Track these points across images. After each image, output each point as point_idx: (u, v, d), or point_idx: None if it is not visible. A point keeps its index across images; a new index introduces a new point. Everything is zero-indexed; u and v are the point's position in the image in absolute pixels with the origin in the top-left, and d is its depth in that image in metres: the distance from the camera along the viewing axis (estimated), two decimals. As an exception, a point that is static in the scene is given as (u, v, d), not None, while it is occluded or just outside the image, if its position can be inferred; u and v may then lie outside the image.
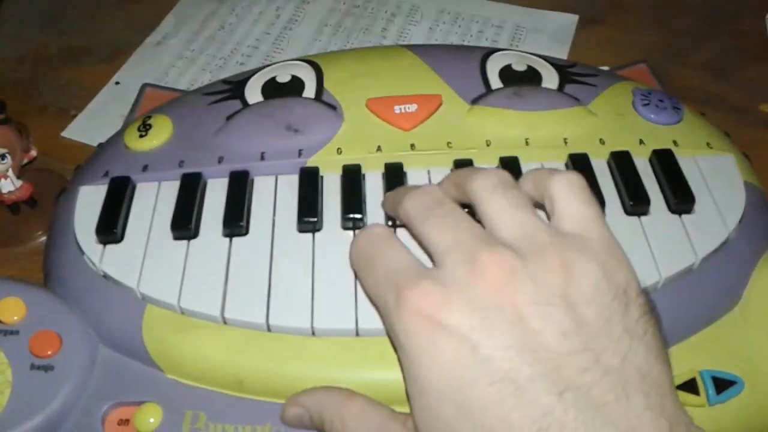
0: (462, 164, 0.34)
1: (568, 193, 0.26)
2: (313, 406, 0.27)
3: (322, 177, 0.34)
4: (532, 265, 0.23)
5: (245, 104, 0.38)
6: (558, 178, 0.26)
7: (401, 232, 0.30)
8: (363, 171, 0.34)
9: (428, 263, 0.26)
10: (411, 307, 0.23)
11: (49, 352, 0.30)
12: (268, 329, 0.30)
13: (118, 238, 0.33)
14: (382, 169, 0.34)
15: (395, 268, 0.25)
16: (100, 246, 0.32)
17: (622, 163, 0.35)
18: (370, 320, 0.29)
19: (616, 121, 0.37)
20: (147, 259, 0.32)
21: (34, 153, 0.41)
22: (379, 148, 0.35)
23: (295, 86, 0.39)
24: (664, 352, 0.23)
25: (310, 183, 0.34)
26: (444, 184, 0.29)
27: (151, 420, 0.29)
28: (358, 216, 0.32)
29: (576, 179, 0.26)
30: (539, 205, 0.27)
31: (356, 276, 0.28)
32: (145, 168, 0.35)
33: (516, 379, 0.21)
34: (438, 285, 0.23)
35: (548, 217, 0.26)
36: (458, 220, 0.25)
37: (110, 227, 0.33)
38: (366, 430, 0.26)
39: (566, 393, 0.21)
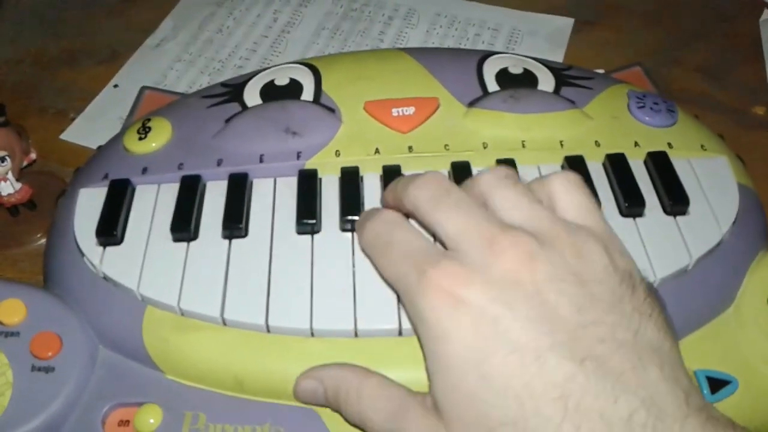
0: (459, 166, 0.35)
1: (567, 189, 0.27)
2: (329, 379, 0.28)
3: (320, 179, 0.35)
4: (545, 247, 0.24)
5: (244, 107, 0.38)
6: (557, 177, 0.27)
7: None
8: (361, 173, 0.35)
9: None
10: (434, 284, 0.24)
11: (50, 354, 0.30)
12: (268, 330, 0.30)
13: (118, 240, 0.33)
14: (380, 172, 0.35)
15: (413, 250, 0.26)
16: (100, 248, 0.33)
17: (617, 165, 0.35)
18: (369, 321, 0.29)
19: (611, 124, 0.37)
20: (147, 261, 0.32)
21: (33, 155, 0.41)
22: (377, 151, 0.35)
23: (294, 89, 0.39)
24: (672, 330, 0.24)
25: (308, 185, 0.34)
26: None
27: (152, 421, 0.29)
28: (356, 218, 0.32)
29: (573, 177, 0.27)
30: None
31: (370, 258, 0.28)
32: (144, 170, 0.36)
33: (537, 348, 0.22)
34: (458, 264, 0.24)
35: None
36: (469, 206, 0.26)
37: (110, 229, 0.33)
38: (384, 405, 0.26)
39: (586, 361, 0.22)
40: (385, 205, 0.32)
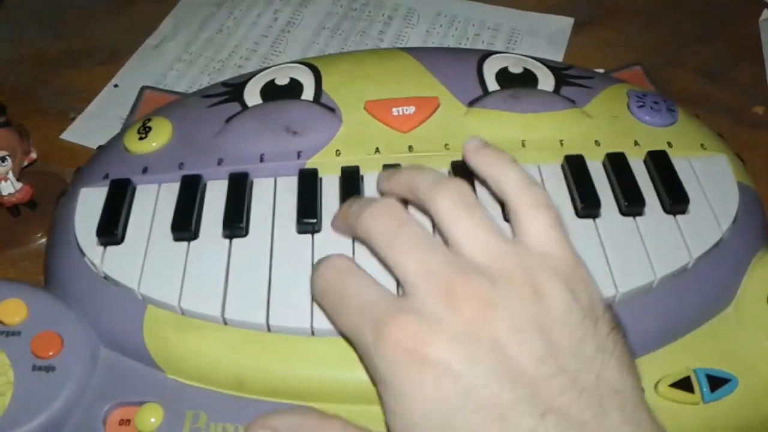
0: (459, 166, 0.35)
1: (533, 212, 0.26)
2: (286, 428, 0.26)
3: (321, 179, 0.35)
4: (504, 292, 0.24)
5: (244, 107, 0.38)
6: (523, 198, 0.26)
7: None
8: (361, 172, 0.35)
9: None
10: (392, 342, 0.23)
11: (51, 353, 0.30)
12: (269, 329, 0.30)
13: (118, 240, 0.33)
14: (380, 171, 0.35)
15: (367, 303, 0.25)
16: (101, 247, 0.33)
17: (617, 164, 0.35)
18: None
19: (611, 123, 0.37)
20: (147, 261, 0.32)
21: (34, 155, 0.42)
22: (377, 150, 0.36)
23: (294, 89, 0.39)
24: (633, 364, 0.24)
25: (309, 184, 0.34)
26: (395, 187, 0.28)
27: (152, 420, 0.29)
28: (356, 217, 0.33)
29: (540, 198, 0.26)
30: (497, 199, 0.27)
31: (322, 309, 0.28)
32: (145, 170, 0.36)
33: (499, 404, 0.22)
34: (416, 318, 0.23)
35: (508, 221, 0.27)
36: (425, 244, 0.25)
37: (111, 229, 0.33)
38: None
39: (547, 414, 0.22)
40: (336, 227, 0.31)
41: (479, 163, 0.28)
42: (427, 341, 0.23)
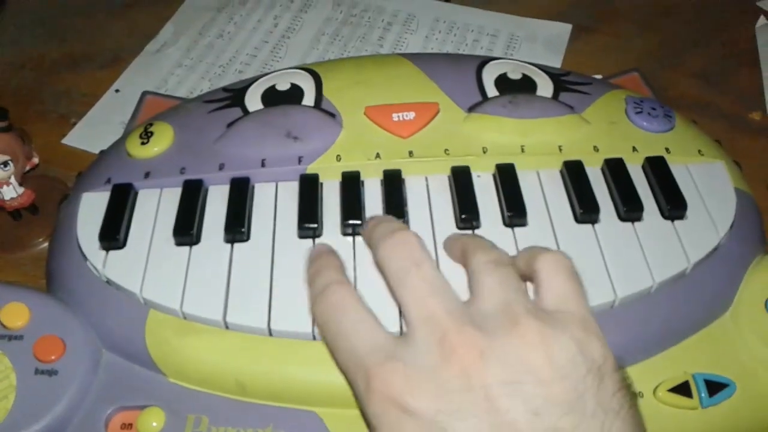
0: (459, 171, 0.35)
1: (552, 270, 0.26)
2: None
3: (321, 184, 0.35)
4: (503, 341, 0.23)
5: (245, 112, 0.39)
6: (546, 256, 0.27)
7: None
8: (362, 178, 0.35)
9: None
10: (379, 392, 0.23)
11: (53, 357, 0.31)
12: (270, 334, 0.30)
13: (120, 244, 0.33)
14: (380, 176, 0.35)
15: (360, 348, 0.25)
16: (103, 252, 0.33)
17: (615, 170, 0.35)
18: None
19: (609, 129, 0.38)
20: (149, 265, 0.32)
21: (36, 160, 0.42)
22: (377, 155, 0.36)
23: (295, 94, 0.39)
24: (641, 429, 0.23)
25: (310, 190, 0.34)
26: (452, 245, 0.30)
27: (154, 424, 0.29)
28: (357, 222, 0.33)
29: (562, 258, 0.27)
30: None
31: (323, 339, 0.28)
32: (146, 175, 0.36)
33: None
34: (405, 367, 0.23)
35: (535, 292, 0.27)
36: (434, 288, 0.25)
37: (113, 233, 0.33)
38: None
39: None
40: (363, 237, 0.31)
41: (522, 253, 0.29)
42: (412, 392, 0.23)
